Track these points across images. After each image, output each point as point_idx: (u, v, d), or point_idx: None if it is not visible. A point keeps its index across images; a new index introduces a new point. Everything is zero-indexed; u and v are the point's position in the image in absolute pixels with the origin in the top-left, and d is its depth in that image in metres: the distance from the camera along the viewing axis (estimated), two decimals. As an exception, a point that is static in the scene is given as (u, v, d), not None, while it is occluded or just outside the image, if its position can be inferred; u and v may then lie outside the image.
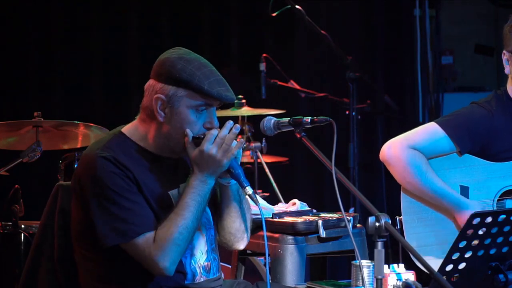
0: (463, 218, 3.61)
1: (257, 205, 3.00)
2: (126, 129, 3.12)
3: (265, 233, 3.01)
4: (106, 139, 3.07)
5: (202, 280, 3.11)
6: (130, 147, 3.06)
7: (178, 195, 3.05)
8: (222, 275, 3.24)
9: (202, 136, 3.02)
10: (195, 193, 2.99)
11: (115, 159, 2.97)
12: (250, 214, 3.24)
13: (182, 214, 2.96)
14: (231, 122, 3.04)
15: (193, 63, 3.02)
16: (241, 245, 3.24)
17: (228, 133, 3.01)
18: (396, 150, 3.69)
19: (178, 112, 3.01)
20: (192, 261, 3.09)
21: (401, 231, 3.69)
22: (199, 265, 3.11)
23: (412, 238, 3.67)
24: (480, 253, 2.93)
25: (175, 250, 2.94)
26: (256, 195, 3.07)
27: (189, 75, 2.99)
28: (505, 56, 3.69)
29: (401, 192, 3.74)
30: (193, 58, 3.04)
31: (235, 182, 3.09)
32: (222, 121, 3.09)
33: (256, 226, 3.81)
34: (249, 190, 3.01)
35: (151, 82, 3.06)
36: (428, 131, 3.72)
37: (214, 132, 3.01)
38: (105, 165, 2.96)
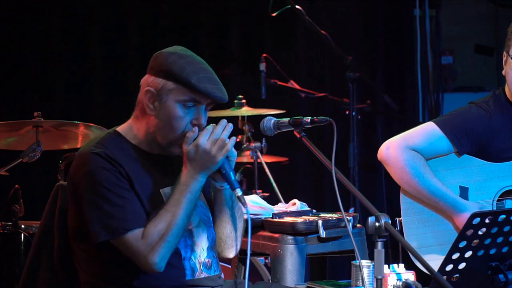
0: (461, 220, 3.61)
1: (244, 207, 3.01)
2: (121, 128, 3.13)
3: (249, 238, 3.01)
4: (99, 137, 3.09)
5: (202, 276, 3.12)
6: (123, 144, 3.07)
7: (170, 193, 3.06)
8: (222, 274, 3.24)
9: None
10: (186, 190, 2.99)
11: (107, 155, 2.98)
12: (242, 223, 3.24)
13: (172, 211, 2.97)
14: (225, 120, 3.04)
15: (186, 58, 3.02)
16: (231, 254, 3.26)
17: (223, 131, 3.02)
18: (394, 151, 3.68)
19: (166, 105, 3.02)
20: (192, 256, 3.09)
21: (401, 232, 3.68)
22: (200, 261, 3.11)
23: (412, 239, 3.66)
24: (480, 253, 2.93)
25: (164, 246, 2.95)
26: (257, 196, 3.07)
27: (178, 68, 2.99)
28: (504, 56, 3.69)
29: (401, 193, 3.73)
30: (187, 54, 3.05)
31: (228, 186, 3.10)
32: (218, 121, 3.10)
33: (255, 226, 3.82)
34: (238, 192, 3.01)
35: (145, 77, 3.08)
36: (426, 132, 3.71)
37: (209, 128, 3.02)
38: (97, 161, 2.97)
